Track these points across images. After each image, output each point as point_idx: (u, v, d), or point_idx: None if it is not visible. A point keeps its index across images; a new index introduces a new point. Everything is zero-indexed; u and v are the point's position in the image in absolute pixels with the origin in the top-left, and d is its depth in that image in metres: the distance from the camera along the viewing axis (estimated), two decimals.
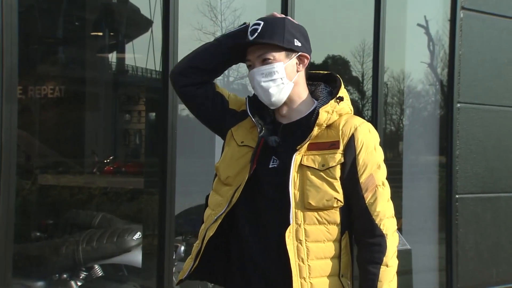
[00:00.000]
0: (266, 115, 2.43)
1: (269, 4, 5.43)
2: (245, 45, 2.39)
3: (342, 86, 2.43)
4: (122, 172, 6.65)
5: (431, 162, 6.69)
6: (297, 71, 2.40)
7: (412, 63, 6.75)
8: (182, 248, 4.82)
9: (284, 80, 2.35)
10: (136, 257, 4.85)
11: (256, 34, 2.36)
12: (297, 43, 2.38)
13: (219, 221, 2.36)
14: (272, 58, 2.35)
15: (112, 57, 7.24)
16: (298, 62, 2.40)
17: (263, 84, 2.34)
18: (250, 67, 2.40)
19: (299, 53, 2.39)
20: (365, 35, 5.94)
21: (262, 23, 2.37)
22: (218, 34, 5.19)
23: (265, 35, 2.34)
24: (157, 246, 4.28)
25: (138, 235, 4.84)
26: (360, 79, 6.58)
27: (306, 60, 2.41)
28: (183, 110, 4.54)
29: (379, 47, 5.62)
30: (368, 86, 6.13)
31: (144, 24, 6.22)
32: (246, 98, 2.45)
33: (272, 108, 2.41)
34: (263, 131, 2.37)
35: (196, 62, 2.47)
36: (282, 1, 4.86)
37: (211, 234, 2.36)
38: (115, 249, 4.78)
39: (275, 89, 2.35)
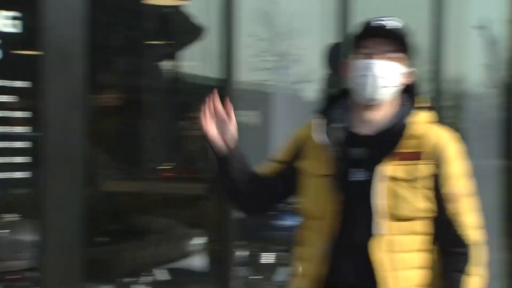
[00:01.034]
0: (339, 133, 2.36)
1: (324, 7, 5.41)
2: (378, 34, 2.34)
3: (422, 95, 2.40)
4: (183, 178, 6.71)
5: (492, 166, 6.56)
6: (402, 83, 2.37)
7: (471, 65, 6.65)
8: (243, 253, 4.83)
9: (393, 84, 2.33)
10: (198, 262, 4.89)
11: (398, 32, 2.35)
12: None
13: (323, 258, 2.32)
14: (397, 60, 2.33)
15: (169, 65, 7.33)
16: (408, 75, 2.38)
17: (378, 79, 2.30)
18: (367, 55, 2.32)
19: (413, 70, 2.39)
20: (420, 38, 5.88)
21: (400, 24, 2.37)
22: (275, 41, 5.21)
23: (408, 38, 2.34)
24: (219, 251, 4.31)
25: (200, 240, 4.89)
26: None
27: (412, 77, 2.40)
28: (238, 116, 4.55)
29: (438, 49, 5.55)
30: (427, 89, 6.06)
31: (201, 32, 6.28)
32: (313, 123, 2.38)
33: (365, 103, 2.34)
34: (340, 156, 2.31)
35: (237, 196, 2.49)
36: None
37: (324, 273, 2.33)
38: (177, 254, 4.83)
39: (383, 89, 2.31)
